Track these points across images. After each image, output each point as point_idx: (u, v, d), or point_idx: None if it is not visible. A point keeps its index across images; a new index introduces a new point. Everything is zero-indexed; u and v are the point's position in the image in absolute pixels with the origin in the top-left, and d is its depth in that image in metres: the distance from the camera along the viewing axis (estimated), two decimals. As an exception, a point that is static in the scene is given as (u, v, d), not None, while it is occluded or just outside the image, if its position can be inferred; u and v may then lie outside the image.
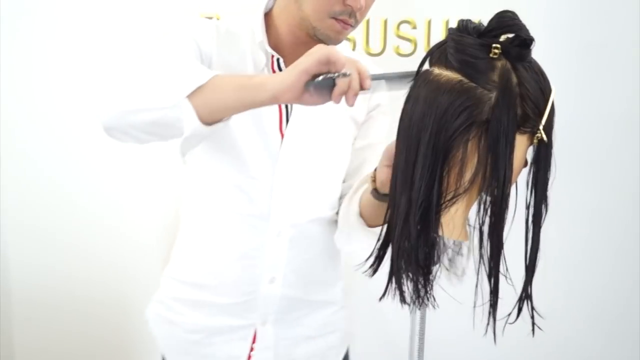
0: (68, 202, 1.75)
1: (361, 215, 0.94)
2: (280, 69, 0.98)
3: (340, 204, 1.05)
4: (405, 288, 0.77)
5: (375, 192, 0.87)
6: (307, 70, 0.73)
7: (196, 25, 0.97)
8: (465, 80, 0.69)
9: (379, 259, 0.80)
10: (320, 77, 0.74)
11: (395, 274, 0.76)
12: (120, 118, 0.82)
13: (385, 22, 1.60)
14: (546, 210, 0.75)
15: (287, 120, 0.99)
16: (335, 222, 1.04)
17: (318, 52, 0.73)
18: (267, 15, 1.01)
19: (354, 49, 1.62)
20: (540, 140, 0.72)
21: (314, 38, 0.94)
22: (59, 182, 1.73)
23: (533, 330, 0.76)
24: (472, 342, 1.70)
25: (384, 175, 0.82)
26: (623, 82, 1.62)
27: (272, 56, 0.98)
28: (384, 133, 1.07)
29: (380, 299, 0.80)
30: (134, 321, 1.85)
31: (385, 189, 0.83)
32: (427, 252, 0.75)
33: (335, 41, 0.94)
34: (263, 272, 1.03)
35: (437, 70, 0.71)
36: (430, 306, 0.79)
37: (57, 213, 1.76)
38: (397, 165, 0.74)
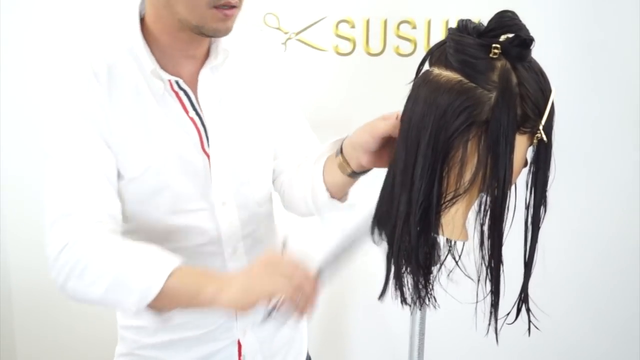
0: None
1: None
2: (181, 89, 0.91)
3: (285, 179, 1.05)
4: (405, 288, 0.77)
5: (353, 173, 0.89)
6: (253, 306, 0.76)
7: (77, 96, 0.87)
8: (465, 80, 0.69)
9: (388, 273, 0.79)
10: (269, 312, 0.77)
11: (395, 274, 0.76)
12: (82, 301, 0.87)
13: (385, 22, 1.60)
14: (545, 211, 0.75)
15: (207, 137, 0.93)
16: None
17: (262, 292, 0.76)
18: (142, 27, 0.91)
19: (353, 49, 1.62)
20: (540, 140, 0.72)
21: (201, 35, 0.87)
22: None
23: (529, 329, 0.76)
24: (472, 342, 1.70)
25: (365, 161, 0.85)
26: (623, 82, 1.62)
27: (179, 93, 0.91)
28: (289, 93, 1.05)
29: (379, 297, 0.79)
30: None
31: (361, 168, 0.88)
32: (428, 252, 0.75)
33: (225, 31, 0.86)
34: None
35: (436, 71, 0.71)
36: (431, 306, 0.80)
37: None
38: (396, 165, 0.74)
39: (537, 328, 0.76)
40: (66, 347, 1.87)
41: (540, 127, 0.71)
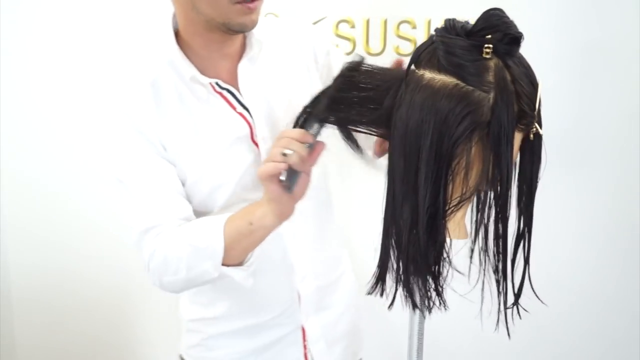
0: (68, 202, 1.75)
1: None
2: (223, 88, 0.95)
3: None
4: (415, 294, 0.77)
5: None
6: (274, 195, 0.83)
7: (128, 121, 0.94)
8: (461, 83, 0.68)
9: (381, 279, 0.80)
10: (283, 178, 0.81)
11: (404, 281, 0.76)
12: (179, 290, 0.99)
13: (385, 22, 1.59)
14: (532, 199, 0.76)
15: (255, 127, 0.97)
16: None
17: (263, 178, 0.82)
18: (177, 39, 0.96)
19: (354, 49, 1.62)
20: (536, 133, 0.71)
21: (229, 32, 0.89)
22: (58, 182, 1.74)
23: (510, 312, 0.78)
24: (472, 341, 1.70)
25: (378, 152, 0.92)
26: (622, 82, 1.62)
27: (222, 92, 0.95)
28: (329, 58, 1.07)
29: (389, 307, 0.80)
30: (133, 321, 1.85)
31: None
32: (436, 256, 0.75)
33: (251, 24, 0.89)
34: (292, 274, 1.05)
35: (428, 74, 0.70)
36: (442, 309, 0.79)
37: (56, 213, 1.76)
38: (395, 173, 0.73)
39: (526, 310, 0.77)
40: (67, 346, 1.87)
41: (535, 121, 0.71)
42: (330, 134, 0.89)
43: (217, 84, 0.94)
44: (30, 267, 1.80)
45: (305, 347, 1.09)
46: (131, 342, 1.88)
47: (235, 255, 0.90)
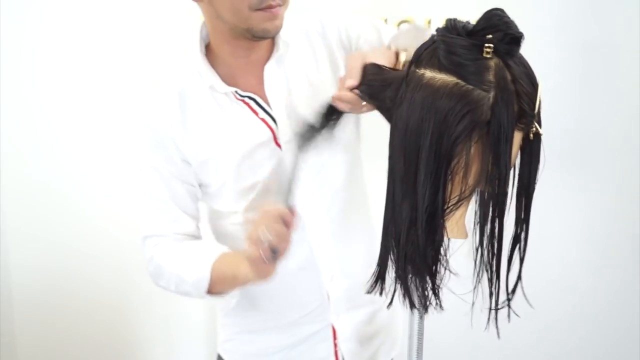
0: (68, 203, 1.75)
1: None
2: (243, 96, 0.97)
3: None
4: (413, 293, 0.77)
5: None
6: (258, 266, 0.86)
7: (157, 129, 0.98)
8: (461, 82, 0.68)
9: (381, 278, 0.80)
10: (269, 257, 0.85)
11: (402, 281, 0.76)
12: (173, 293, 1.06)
13: (386, 21, 1.59)
14: (530, 199, 0.76)
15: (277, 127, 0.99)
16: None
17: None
18: (207, 49, 0.99)
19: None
20: (536, 133, 0.71)
21: (254, 39, 0.91)
22: (59, 183, 1.74)
23: (506, 312, 0.78)
24: (471, 341, 1.70)
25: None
26: (623, 82, 1.62)
27: (244, 99, 0.98)
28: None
29: (388, 306, 0.80)
30: (133, 321, 1.85)
31: None
32: (434, 256, 0.75)
33: (275, 30, 0.90)
34: (320, 274, 1.05)
35: (429, 73, 0.70)
36: (439, 309, 0.80)
37: (57, 214, 1.76)
38: (395, 172, 0.73)
39: (517, 314, 0.77)
40: (67, 345, 1.87)
41: (535, 121, 0.71)
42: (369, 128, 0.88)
43: (236, 92, 0.96)
44: (31, 267, 1.80)
45: (335, 345, 1.09)
46: (131, 342, 1.88)
47: (219, 289, 0.97)
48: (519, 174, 0.75)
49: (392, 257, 0.76)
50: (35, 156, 1.73)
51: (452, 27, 0.70)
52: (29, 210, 1.77)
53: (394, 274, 0.78)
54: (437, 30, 0.72)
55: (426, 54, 0.72)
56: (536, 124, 0.71)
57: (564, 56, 1.61)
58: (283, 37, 0.97)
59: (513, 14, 0.71)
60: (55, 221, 1.77)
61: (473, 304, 0.79)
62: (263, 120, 0.97)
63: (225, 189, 1.00)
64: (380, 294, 0.81)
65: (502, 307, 0.78)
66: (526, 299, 0.79)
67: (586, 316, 1.78)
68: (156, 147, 0.99)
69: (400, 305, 0.78)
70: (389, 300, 0.79)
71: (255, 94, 0.97)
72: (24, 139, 1.72)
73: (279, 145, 0.98)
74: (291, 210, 0.86)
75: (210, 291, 0.97)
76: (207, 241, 1.06)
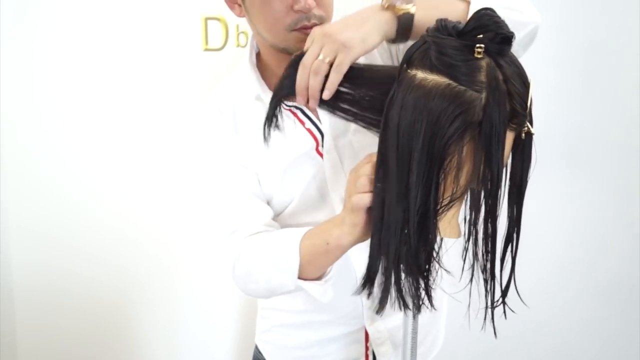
0: (69, 202, 1.75)
1: None
2: (307, 116, 0.98)
3: None
4: (406, 293, 0.77)
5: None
6: (360, 220, 0.81)
7: (213, 137, 0.99)
8: (453, 83, 0.68)
9: (371, 279, 0.80)
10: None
11: (395, 281, 0.76)
12: (263, 297, 1.04)
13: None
14: (522, 198, 0.76)
15: (322, 137, 0.99)
16: None
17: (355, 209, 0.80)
18: (258, 62, 1.00)
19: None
20: (527, 132, 0.72)
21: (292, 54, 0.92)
22: (60, 182, 1.74)
23: (501, 311, 0.78)
24: (466, 339, 1.70)
25: None
26: (623, 82, 1.61)
27: (291, 109, 0.98)
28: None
29: (379, 311, 0.80)
30: (134, 321, 1.86)
31: None
32: (426, 256, 0.75)
33: None
34: (356, 280, 1.04)
35: (420, 74, 0.70)
36: (432, 309, 0.80)
37: (58, 213, 1.77)
38: (387, 173, 0.73)
39: (513, 311, 0.78)
40: (67, 345, 1.87)
41: (527, 121, 0.71)
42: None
43: (300, 109, 0.97)
44: (32, 266, 1.81)
45: (367, 347, 1.10)
46: (132, 342, 1.89)
47: (312, 271, 0.91)
48: (511, 174, 0.75)
49: (385, 258, 0.76)
50: (36, 154, 1.73)
51: (443, 28, 0.70)
52: (31, 209, 1.77)
53: (385, 274, 0.78)
54: (428, 30, 0.72)
55: (417, 55, 0.72)
56: (528, 124, 0.71)
57: (566, 56, 1.61)
58: None
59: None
60: (57, 220, 1.77)
61: (469, 306, 0.79)
62: (309, 130, 0.98)
63: (272, 201, 1.01)
64: (368, 297, 0.81)
65: (497, 306, 0.78)
66: (520, 298, 0.79)
67: (583, 316, 1.78)
68: (220, 131, 0.99)
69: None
70: (380, 301, 0.79)
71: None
72: (25, 137, 1.72)
73: (320, 154, 0.99)
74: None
75: (305, 275, 0.91)
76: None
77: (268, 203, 1.02)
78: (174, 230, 1.75)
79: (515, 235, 0.77)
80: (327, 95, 0.77)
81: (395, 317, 1.10)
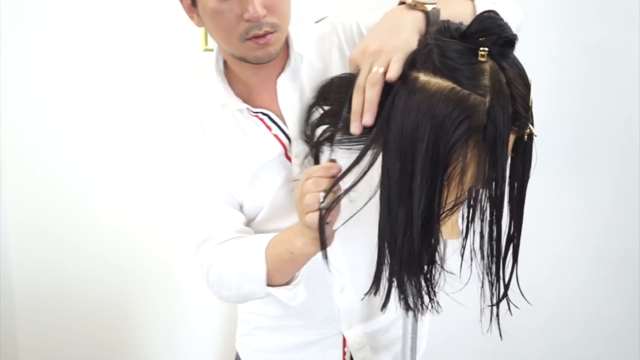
0: (69, 202, 1.75)
1: None
2: (274, 121, 0.96)
3: None
4: (408, 295, 0.77)
5: None
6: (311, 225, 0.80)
7: (184, 146, 0.99)
8: (457, 87, 0.68)
9: (377, 281, 0.80)
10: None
11: (398, 284, 0.76)
12: (236, 302, 1.06)
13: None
14: (523, 199, 0.76)
15: (289, 142, 0.98)
16: None
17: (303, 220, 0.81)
18: (225, 68, 0.99)
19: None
20: (530, 134, 0.72)
21: (251, 64, 0.90)
22: (60, 182, 1.74)
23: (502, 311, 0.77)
24: (466, 340, 1.70)
25: None
26: (623, 83, 1.62)
27: (257, 115, 0.96)
28: None
29: (382, 309, 0.80)
30: (134, 320, 1.86)
31: None
32: (429, 259, 0.75)
33: (268, 57, 0.89)
34: (331, 285, 1.04)
35: (424, 77, 0.70)
36: (435, 311, 0.80)
37: (58, 213, 1.77)
38: (390, 176, 0.73)
39: (517, 307, 0.78)
40: (68, 345, 1.87)
41: (529, 122, 0.71)
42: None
43: (247, 109, 0.96)
44: (33, 266, 1.81)
45: (344, 352, 1.10)
46: (132, 341, 1.89)
47: (280, 278, 0.92)
48: (513, 175, 0.75)
49: (388, 261, 0.76)
50: (36, 155, 1.73)
51: (446, 30, 0.70)
52: (31, 209, 1.77)
53: (388, 276, 0.78)
54: (430, 32, 0.72)
55: (420, 57, 0.71)
56: (530, 126, 0.71)
57: (567, 56, 1.61)
58: (296, 49, 0.95)
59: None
60: (57, 220, 1.77)
61: (481, 309, 0.79)
62: (276, 136, 0.97)
63: (243, 206, 1.01)
64: (375, 294, 0.81)
65: (498, 302, 0.78)
66: (524, 297, 0.79)
67: (585, 316, 1.78)
68: (189, 139, 0.99)
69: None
70: (382, 304, 0.79)
71: (269, 109, 0.97)
72: (26, 137, 1.72)
73: (289, 159, 0.98)
74: (333, 162, 0.82)
75: (273, 282, 0.92)
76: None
77: (240, 209, 1.02)
78: (174, 229, 1.75)
79: (516, 235, 0.77)
80: (393, 76, 0.72)
81: (375, 321, 1.10)
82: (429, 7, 0.78)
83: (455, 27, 0.70)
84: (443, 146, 0.68)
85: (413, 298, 0.77)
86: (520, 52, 0.73)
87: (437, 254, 0.77)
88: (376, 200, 1.00)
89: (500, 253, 0.75)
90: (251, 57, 0.88)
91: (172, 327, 1.86)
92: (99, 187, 1.73)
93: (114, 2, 1.63)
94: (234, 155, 0.98)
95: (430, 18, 0.78)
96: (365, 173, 0.75)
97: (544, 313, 1.71)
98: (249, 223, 1.02)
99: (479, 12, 0.81)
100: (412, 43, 0.75)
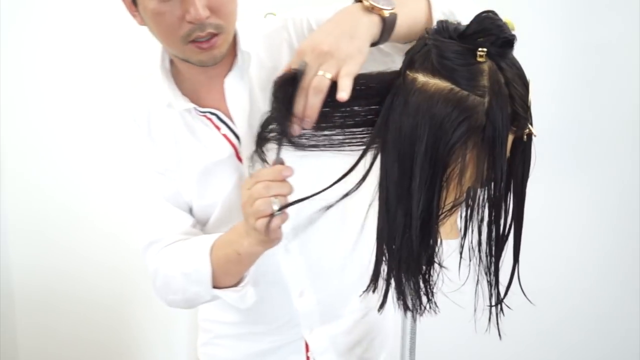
0: (70, 205, 1.75)
1: None
2: (222, 121, 0.93)
3: None
4: (407, 296, 0.77)
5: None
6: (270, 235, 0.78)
7: (132, 146, 0.97)
8: (456, 88, 0.67)
9: (375, 281, 0.79)
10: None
11: (396, 284, 0.76)
12: (183, 307, 1.02)
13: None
14: (523, 198, 0.76)
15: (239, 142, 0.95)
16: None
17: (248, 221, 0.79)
18: (172, 65, 0.95)
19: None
20: (529, 134, 0.71)
21: (195, 65, 0.87)
22: (60, 185, 1.74)
23: (501, 307, 0.78)
24: (464, 340, 1.70)
25: None
26: (624, 83, 1.62)
27: (206, 114, 0.94)
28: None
29: (379, 310, 0.79)
30: (133, 323, 1.86)
31: None
32: (428, 259, 0.75)
33: (212, 60, 0.85)
34: (289, 289, 1.02)
35: (422, 78, 0.69)
36: (433, 312, 0.79)
37: (58, 216, 1.76)
38: (388, 177, 0.72)
39: (509, 307, 0.77)
40: (67, 347, 1.87)
41: (529, 123, 0.71)
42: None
43: (194, 109, 0.93)
44: (33, 269, 1.81)
45: (307, 357, 1.08)
46: (131, 344, 1.89)
47: (228, 279, 0.90)
48: (513, 175, 0.75)
49: (386, 261, 0.76)
50: (36, 158, 1.73)
51: (444, 30, 0.70)
52: (31, 212, 1.77)
53: (386, 277, 0.77)
54: (428, 32, 0.72)
55: (419, 57, 0.71)
56: (529, 126, 0.71)
57: (568, 57, 1.61)
58: (243, 47, 0.91)
59: (516, 14, 0.70)
60: (57, 224, 1.77)
61: (477, 310, 0.78)
62: (225, 136, 0.94)
63: (192, 206, 0.98)
64: (374, 291, 0.81)
65: (495, 305, 0.78)
66: (527, 298, 0.78)
67: (590, 317, 1.77)
68: (135, 139, 0.97)
69: (391, 308, 0.77)
70: (380, 304, 0.79)
71: (217, 109, 0.93)
72: (26, 140, 1.72)
73: (240, 160, 0.95)
74: (281, 163, 0.77)
75: (220, 284, 0.90)
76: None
77: (190, 211, 0.99)
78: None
79: (517, 236, 0.77)
80: (345, 96, 0.69)
81: (337, 324, 1.08)
82: (386, 13, 0.74)
83: (454, 27, 0.70)
84: (442, 147, 0.67)
85: (411, 299, 0.77)
86: (522, 52, 0.72)
87: (435, 254, 0.76)
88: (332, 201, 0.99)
89: (499, 253, 0.75)
90: (195, 60, 0.85)
91: (170, 329, 1.86)
92: (98, 191, 1.73)
93: (113, 2, 1.62)
94: (181, 155, 0.95)
95: (385, 24, 0.74)
96: (365, 176, 0.73)
97: (551, 314, 1.71)
98: (203, 226, 1.00)
99: (434, 10, 0.80)
100: (364, 51, 0.72)
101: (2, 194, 1.75)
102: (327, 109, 0.72)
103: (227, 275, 0.89)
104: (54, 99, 1.68)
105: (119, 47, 1.64)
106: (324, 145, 0.76)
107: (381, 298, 0.78)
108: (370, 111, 0.74)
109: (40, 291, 1.82)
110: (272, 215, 0.76)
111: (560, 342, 1.79)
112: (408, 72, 0.71)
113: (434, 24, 0.77)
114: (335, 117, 0.74)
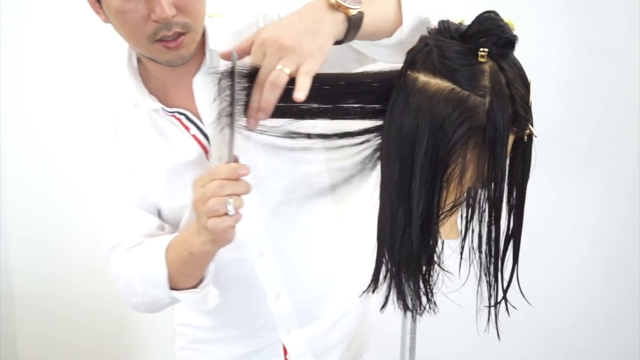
0: (70, 211, 1.75)
1: None
2: (191, 121, 0.91)
3: None
4: (407, 296, 0.77)
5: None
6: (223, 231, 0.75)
7: (95, 146, 0.95)
8: (457, 88, 0.67)
9: (375, 281, 0.80)
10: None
11: (396, 284, 0.76)
12: (144, 311, 0.98)
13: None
14: (523, 199, 0.76)
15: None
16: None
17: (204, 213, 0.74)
18: (139, 64, 0.93)
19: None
20: (529, 134, 0.71)
21: (162, 65, 0.85)
22: (61, 190, 1.74)
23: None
24: (464, 340, 1.70)
25: None
26: (624, 83, 1.62)
27: (174, 114, 0.91)
28: None
29: (381, 309, 0.80)
30: (133, 328, 1.86)
31: None
32: (428, 259, 0.75)
33: (180, 60, 0.83)
34: (264, 293, 1.01)
35: (423, 78, 0.70)
36: (433, 312, 0.79)
37: (59, 221, 1.77)
38: (389, 176, 0.73)
39: (514, 307, 0.77)
40: (67, 352, 1.87)
41: (529, 123, 0.71)
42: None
43: (162, 109, 0.91)
44: (33, 273, 1.81)
45: None
46: (130, 348, 1.89)
47: (186, 280, 0.88)
48: (513, 175, 0.75)
49: (386, 261, 0.76)
50: (37, 163, 1.73)
51: (445, 30, 0.70)
52: (31, 218, 1.77)
53: (387, 277, 0.77)
54: (429, 31, 0.72)
55: (420, 57, 0.71)
56: (530, 126, 0.71)
57: (570, 57, 1.61)
58: (212, 46, 0.89)
59: (518, 15, 0.70)
60: (58, 228, 1.77)
61: (477, 310, 0.78)
62: (194, 136, 0.92)
63: (160, 207, 0.97)
64: (373, 291, 0.81)
65: (494, 306, 0.78)
66: (526, 300, 0.78)
67: (599, 318, 1.77)
68: (100, 139, 0.95)
69: (373, 307, 0.77)
70: (381, 304, 0.79)
71: (186, 108, 0.91)
72: (27, 145, 1.72)
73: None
74: (236, 161, 0.75)
75: (178, 286, 0.88)
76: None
77: (158, 212, 0.97)
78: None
79: (517, 236, 0.77)
80: (302, 96, 0.67)
81: (315, 325, 1.07)
82: (353, 12, 0.72)
83: (455, 27, 0.70)
84: (443, 147, 0.68)
85: (411, 299, 0.77)
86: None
87: (435, 254, 0.76)
88: (307, 200, 0.99)
89: (498, 253, 0.75)
90: (162, 59, 0.82)
91: (169, 336, 1.86)
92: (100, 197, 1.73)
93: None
94: (149, 155, 0.93)
95: (351, 23, 0.72)
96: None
97: (557, 316, 1.71)
98: (175, 228, 0.97)
99: (404, 10, 0.78)
100: (326, 51, 0.70)
101: (3, 199, 1.75)
102: (282, 104, 0.70)
103: (183, 276, 0.87)
104: (55, 102, 1.68)
105: (119, 50, 1.64)
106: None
107: (383, 299, 0.78)
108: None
109: (41, 296, 1.82)
110: (225, 215, 0.73)
111: (567, 344, 1.79)
112: (409, 72, 0.71)
113: (404, 23, 0.77)
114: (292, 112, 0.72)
